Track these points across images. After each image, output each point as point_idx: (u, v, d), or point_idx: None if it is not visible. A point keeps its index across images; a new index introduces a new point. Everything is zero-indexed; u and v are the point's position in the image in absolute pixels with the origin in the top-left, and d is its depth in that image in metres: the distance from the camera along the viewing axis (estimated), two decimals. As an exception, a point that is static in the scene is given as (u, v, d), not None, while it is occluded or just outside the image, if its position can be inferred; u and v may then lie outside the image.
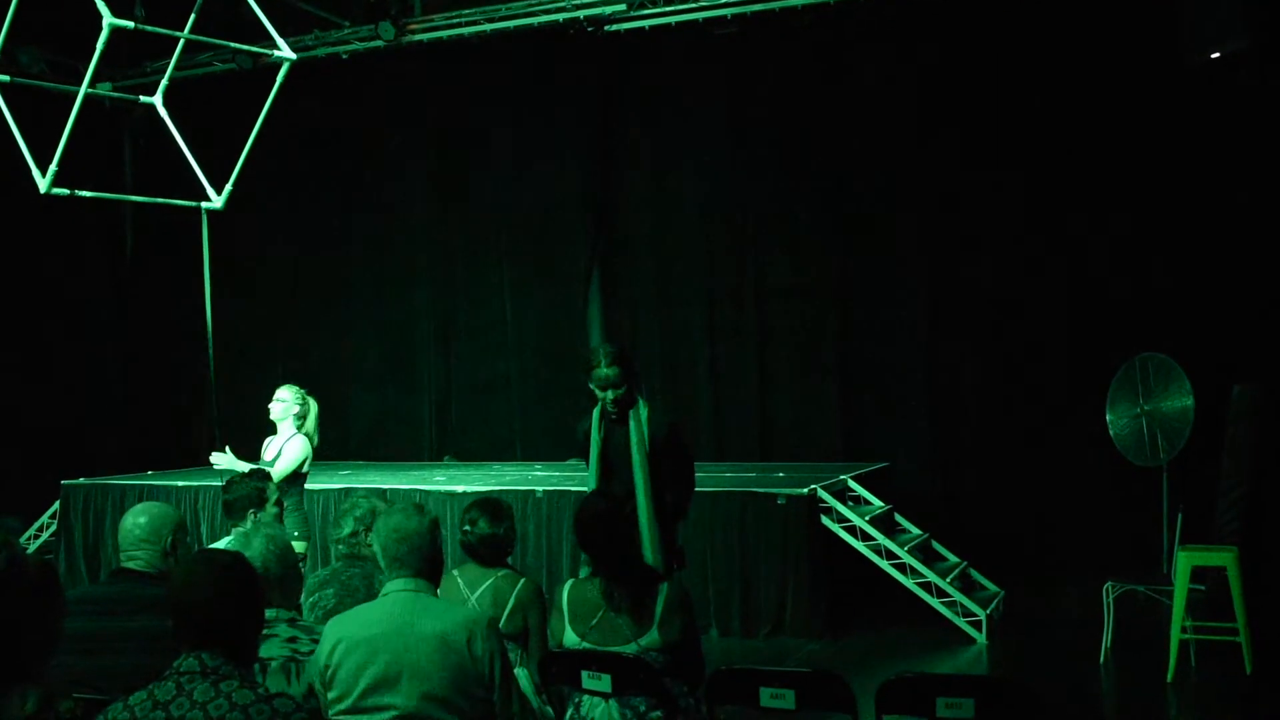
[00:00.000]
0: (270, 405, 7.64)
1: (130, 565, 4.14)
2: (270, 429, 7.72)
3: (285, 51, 6.80)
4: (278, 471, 7.24)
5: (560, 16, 11.66)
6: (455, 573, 4.99)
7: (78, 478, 11.10)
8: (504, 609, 4.83)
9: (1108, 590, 7.62)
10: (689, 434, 6.93)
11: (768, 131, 11.63)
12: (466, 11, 11.94)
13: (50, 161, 6.57)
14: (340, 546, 5.34)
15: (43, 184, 6.61)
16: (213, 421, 7.65)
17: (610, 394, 5.96)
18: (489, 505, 5.10)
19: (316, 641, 4.02)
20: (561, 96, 12.43)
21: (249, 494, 5.86)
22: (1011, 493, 10.52)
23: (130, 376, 14.35)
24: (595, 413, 6.09)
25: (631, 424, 5.97)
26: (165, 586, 3.76)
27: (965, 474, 10.86)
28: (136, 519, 4.19)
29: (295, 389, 7.65)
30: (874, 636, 8.61)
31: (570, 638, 4.48)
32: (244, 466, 7.17)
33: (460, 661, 3.71)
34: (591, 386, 6.03)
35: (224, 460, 7.31)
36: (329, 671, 3.76)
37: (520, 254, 12.74)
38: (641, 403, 6.06)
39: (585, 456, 6.20)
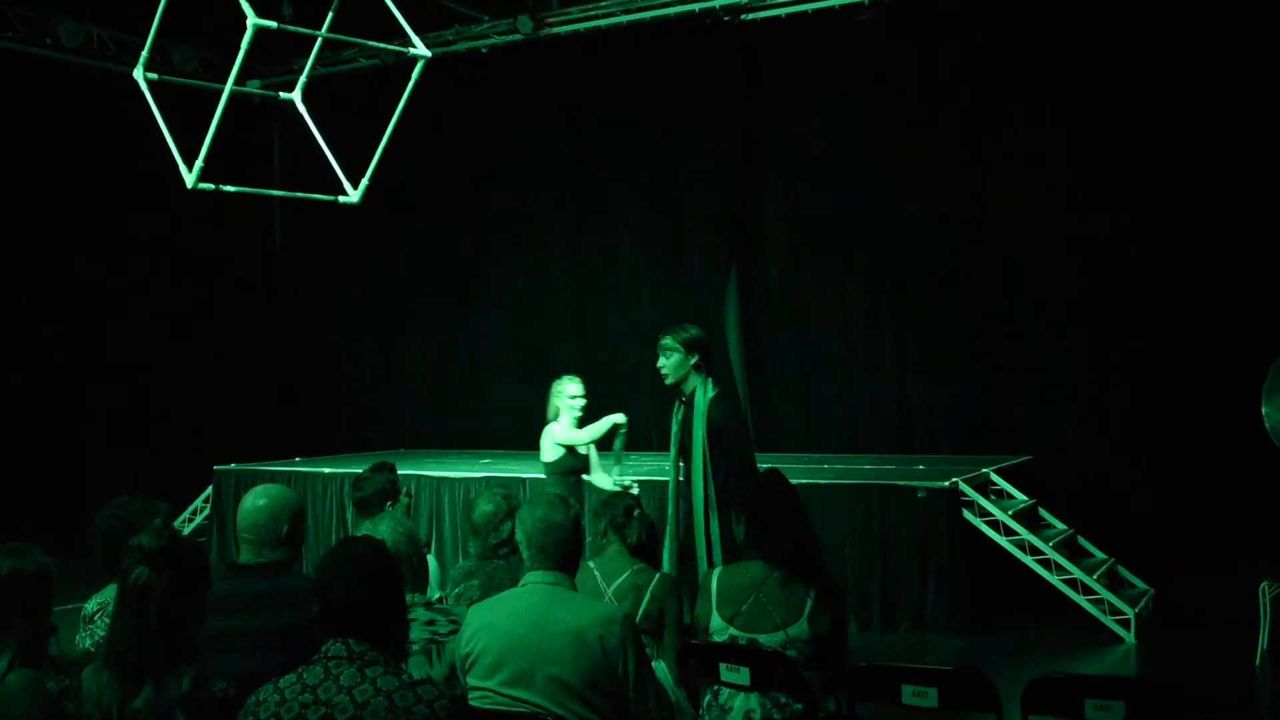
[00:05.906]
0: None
1: (242, 559, 4.00)
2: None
3: (420, 49, 6.89)
4: (588, 435, 7.73)
5: (696, 6, 11.64)
6: (591, 564, 5.01)
7: (229, 464, 11.42)
8: (641, 602, 4.83)
9: (1264, 590, 7.35)
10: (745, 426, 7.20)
11: (907, 118, 11.44)
12: (603, 4, 12.02)
13: (198, 158, 6.77)
14: (483, 544, 5.23)
15: (189, 179, 6.80)
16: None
17: (660, 360, 6.45)
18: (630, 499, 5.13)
19: (454, 623, 4.10)
20: (698, 87, 12.39)
21: (383, 487, 5.92)
22: (1162, 488, 10.16)
23: (279, 365, 14.77)
24: (679, 400, 6.55)
25: (697, 407, 6.38)
26: (271, 579, 3.84)
27: (1113, 468, 10.51)
28: (256, 501, 4.01)
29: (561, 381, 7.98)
30: (1017, 634, 8.41)
31: (717, 622, 4.40)
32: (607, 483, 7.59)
33: (594, 657, 3.73)
34: None
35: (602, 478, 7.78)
36: (469, 660, 3.82)
37: (657, 245, 12.75)
38: (711, 387, 6.44)
39: None
